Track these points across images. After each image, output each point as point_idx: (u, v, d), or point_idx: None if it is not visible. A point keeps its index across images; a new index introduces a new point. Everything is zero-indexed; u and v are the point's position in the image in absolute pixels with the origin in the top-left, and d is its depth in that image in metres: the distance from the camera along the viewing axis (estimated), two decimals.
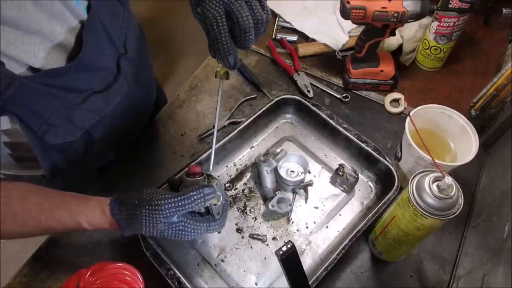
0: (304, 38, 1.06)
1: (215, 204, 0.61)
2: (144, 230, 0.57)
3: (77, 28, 0.60)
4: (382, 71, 0.92)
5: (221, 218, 0.62)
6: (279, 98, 0.85)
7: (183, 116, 0.92)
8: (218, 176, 0.81)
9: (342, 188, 0.79)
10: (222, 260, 0.71)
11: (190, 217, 0.58)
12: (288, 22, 1.09)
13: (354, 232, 0.67)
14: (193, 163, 0.74)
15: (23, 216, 0.57)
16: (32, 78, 0.54)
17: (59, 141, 0.62)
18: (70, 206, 0.59)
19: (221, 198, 0.62)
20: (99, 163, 0.83)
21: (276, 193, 0.75)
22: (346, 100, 0.93)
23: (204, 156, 0.75)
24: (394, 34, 0.86)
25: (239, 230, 0.75)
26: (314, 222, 0.75)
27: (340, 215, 0.76)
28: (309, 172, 0.81)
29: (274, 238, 0.74)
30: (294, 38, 1.06)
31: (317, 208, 0.77)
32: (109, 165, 0.84)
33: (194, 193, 0.57)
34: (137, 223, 0.56)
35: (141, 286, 0.57)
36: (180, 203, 0.56)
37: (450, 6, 0.85)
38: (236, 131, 0.80)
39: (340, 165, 0.77)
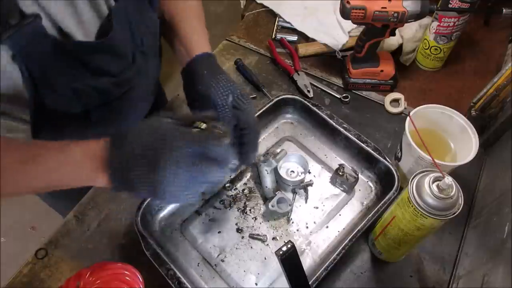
0: (304, 38, 1.06)
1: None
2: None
3: (104, 14, 0.63)
4: (382, 71, 0.92)
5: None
6: (279, 98, 0.85)
7: None
8: None
9: (342, 188, 0.79)
10: (222, 260, 0.71)
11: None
12: (288, 22, 1.09)
13: (354, 232, 0.67)
14: None
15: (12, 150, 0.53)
16: (53, 40, 0.56)
17: (58, 108, 0.62)
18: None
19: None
20: None
21: (276, 193, 0.75)
22: (346, 100, 0.93)
23: None
24: (394, 34, 0.86)
25: (239, 230, 0.75)
26: (314, 222, 0.75)
27: (340, 215, 0.76)
28: (309, 172, 0.81)
29: (274, 238, 0.74)
30: (294, 38, 1.06)
31: (317, 208, 0.77)
32: None
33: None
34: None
35: (141, 286, 0.57)
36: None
37: (450, 6, 0.85)
38: None
39: (340, 165, 0.77)
